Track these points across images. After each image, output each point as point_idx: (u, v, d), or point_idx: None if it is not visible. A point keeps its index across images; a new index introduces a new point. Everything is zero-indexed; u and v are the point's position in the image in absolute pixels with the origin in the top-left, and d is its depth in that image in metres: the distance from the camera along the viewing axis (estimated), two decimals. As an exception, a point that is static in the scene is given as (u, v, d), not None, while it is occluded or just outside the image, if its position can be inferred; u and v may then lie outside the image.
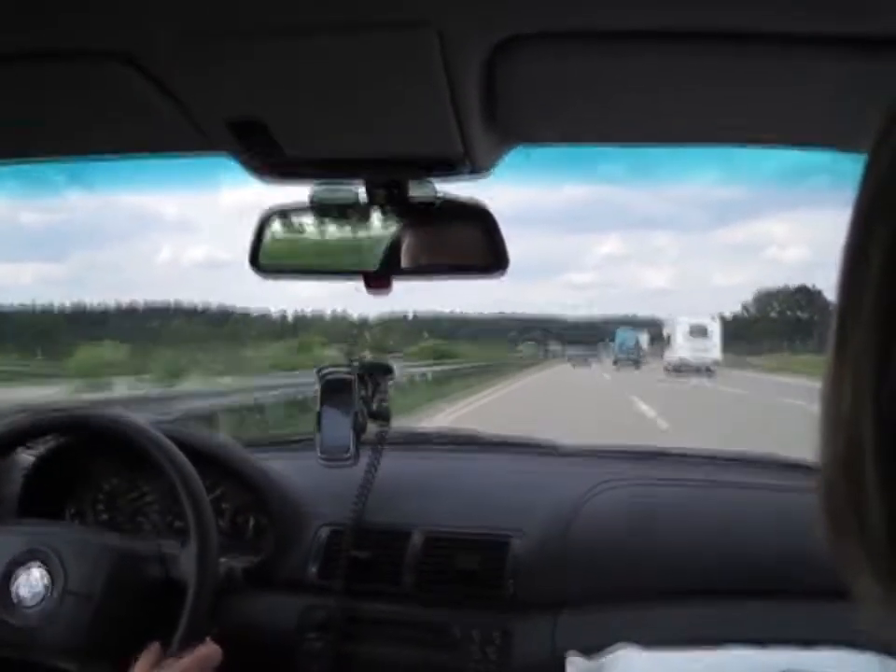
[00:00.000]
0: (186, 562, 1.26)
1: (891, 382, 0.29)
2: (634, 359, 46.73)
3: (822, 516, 0.34)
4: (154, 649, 1.17)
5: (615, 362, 47.67)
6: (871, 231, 0.31)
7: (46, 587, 1.20)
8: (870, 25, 0.65)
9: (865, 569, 0.32)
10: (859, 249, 0.32)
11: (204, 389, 11.33)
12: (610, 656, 1.13)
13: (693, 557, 1.33)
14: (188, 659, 1.14)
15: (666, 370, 35.83)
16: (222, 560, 1.33)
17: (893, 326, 0.29)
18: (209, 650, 1.17)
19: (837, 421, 0.32)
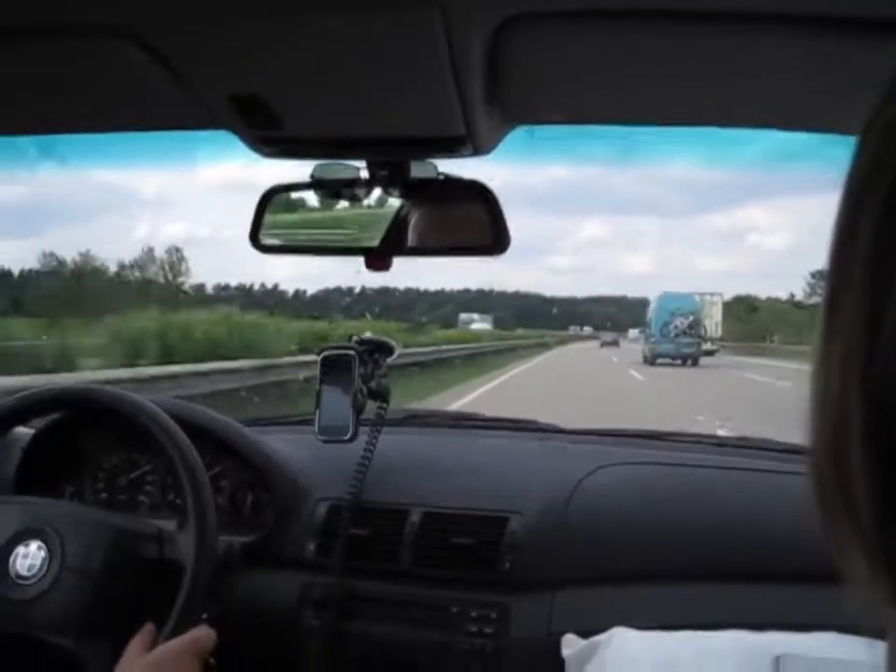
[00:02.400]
0: (184, 543, 1.27)
1: (879, 359, 0.29)
2: (689, 352, 32.49)
3: (812, 496, 0.34)
4: (148, 630, 1.17)
5: (649, 359, 32.15)
6: (860, 208, 0.31)
7: (44, 563, 1.21)
8: (862, 7, 0.65)
9: (853, 550, 0.32)
10: (848, 227, 0.32)
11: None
12: (605, 636, 1.14)
13: (690, 539, 1.34)
14: (181, 641, 1.14)
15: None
16: (221, 538, 1.33)
17: (882, 302, 0.29)
18: (203, 633, 1.17)
19: (825, 400, 0.32)
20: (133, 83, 0.87)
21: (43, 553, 1.21)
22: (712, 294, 40.52)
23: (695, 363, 31.75)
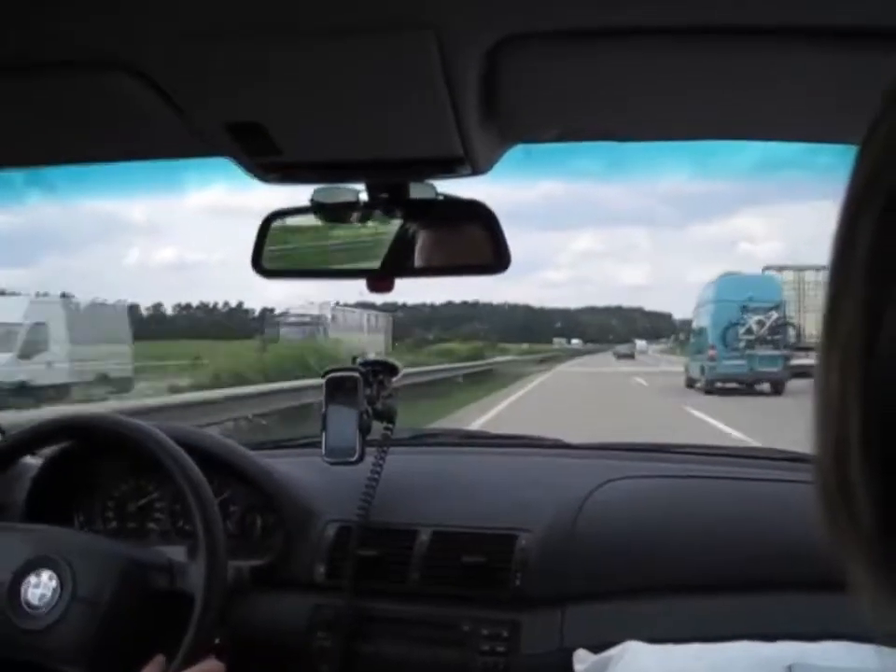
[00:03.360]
0: (194, 573, 1.27)
1: (877, 368, 0.29)
2: (774, 372, 19.37)
3: (817, 505, 0.34)
4: (159, 661, 1.17)
5: (703, 385, 20.26)
6: (859, 216, 0.31)
7: (55, 593, 1.21)
8: (858, 17, 0.65)
9: (857, 558, 0.32)
10: (847, 234, 0.32)
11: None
12: (617, 651, 1.13)
13: (699, 552, 1.33)
14: None
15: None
16: (231, 562, 1.33)
17: (879, 310, 0.29)
18: (213, 666, 1.17)
19: (827, 409, 0.32)
20: (130, 114, 0.87)
21: (54, 584, 1.21)
22: (782, 268, 24.67)
23: (779, 390, 18.88)
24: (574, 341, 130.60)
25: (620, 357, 63.29)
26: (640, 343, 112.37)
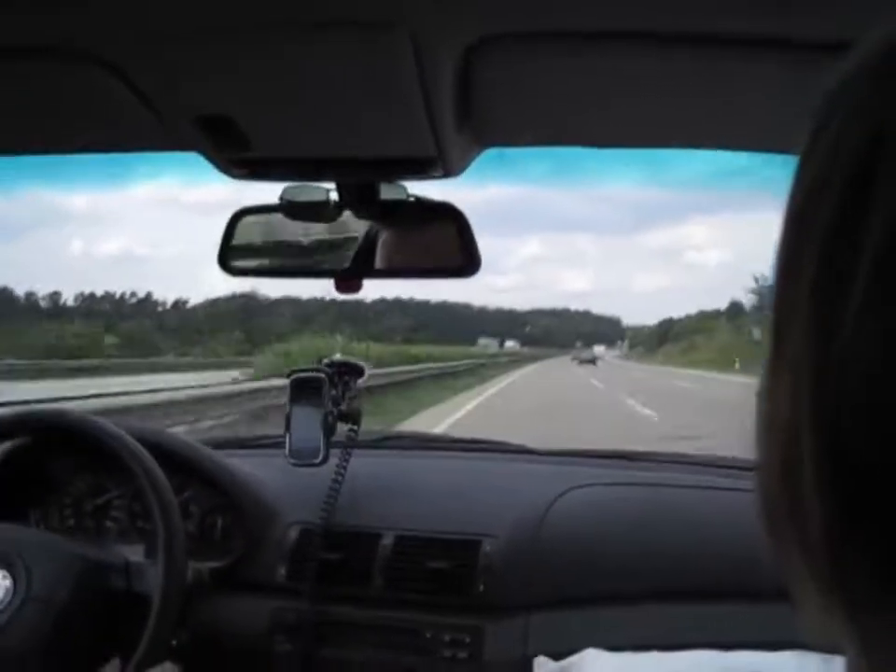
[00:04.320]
0: (152, 574, 1.25)
1: (828, 391, 0.29)
2: None
3: (761, 522, 0.33)
4: (114, 665, 1.15)
5: None
6: (804, 232, 0.30)
7: (8, 592, 1.18)
8: (807, 29, 0.66)
9: (805, 576, 0.31)
10: (792, 252, 0.31)
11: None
12: (576, 658, 1.13)
13: (664, 559, 1.34)
14: None
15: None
16: (190, 563, 1.31)
17: (829, 333, 0.28)
18: (168, 670, 1.16)
19: (774, 425, 0.32)
20: (99, 106, 0.86)
21: (7, 583, 1.19)
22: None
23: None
24: (509, 343, 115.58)
25: (582, 362, 61.29)
26: (598, 349, 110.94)
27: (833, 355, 0.28)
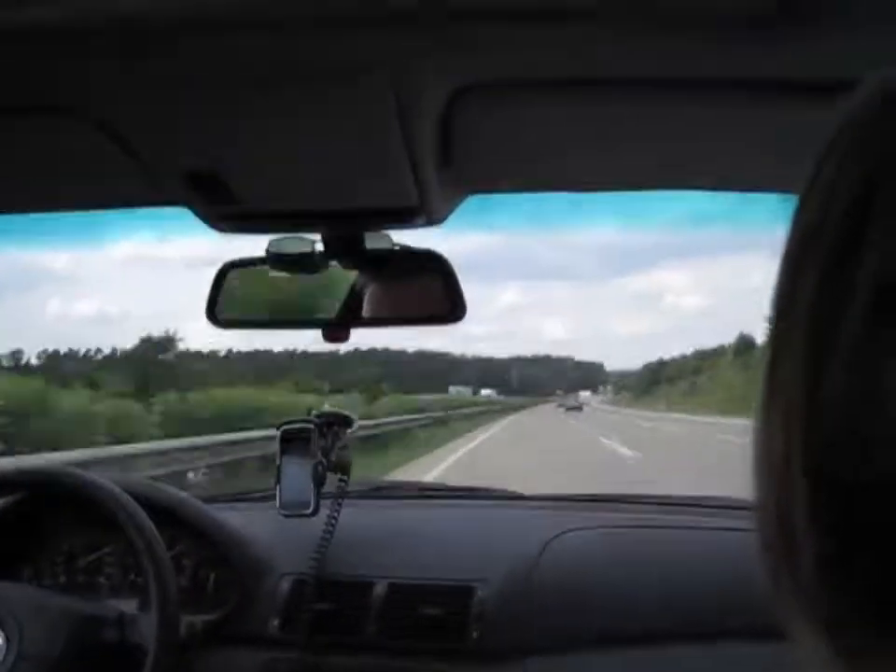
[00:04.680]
0: (146, 625, 1.24)
1: (819, 427, 0.29)
2: None
3: (760, 563, 0.34)
4: None
5: None
6: (799, 273, 0.31)
7: (1, 650, 1.17)
8: (805, 71, 0.68)
9: (799, 615, 0.31)
10: (787, 292, 0.32)
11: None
12: None
13: (657, 602, 1.33)
14: None
15: None
16: (183, 616, 1.30)
17: (820, 372, 0.29)
18: None
19: (768, 464, 0.32)
20: (84, 162, 0.87)
21: (0, 641, 1.17)
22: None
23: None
24: (485, 391, 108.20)
25: (569, 409, 60.10)
26: (584, 395, 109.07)
27: (823, 396, 0.29)
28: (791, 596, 0.32)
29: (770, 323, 0.33)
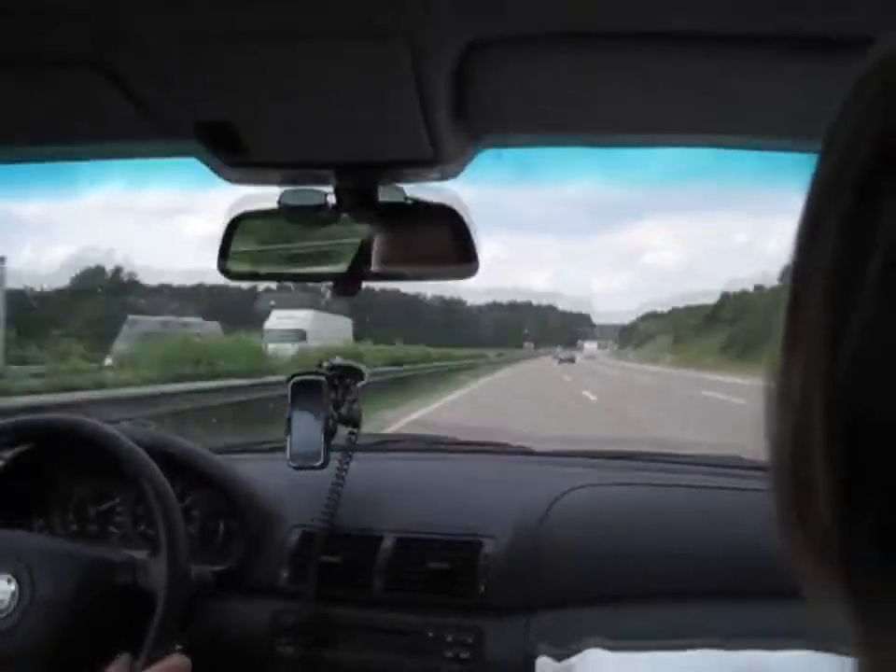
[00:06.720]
0: (156, 571, 1.26)
1: (841, 368, 0.29)
2: None
3: (772, 504, 0.34)
4: (123, 660, 1.16)
5: None
6: (823, 214, 0.31)
7: (13, 596, 1.19)
8: (826, 27, 0.66)
9: (812, 561, 0.32)
10: (811, 230, 0.32)
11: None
12: (578, 659, 1.13)
13: (664, 560, 1.34)
14: (157, 669, 1.13)
15: None
16: (193, 567, 1.32)
17: (843, 311, 0.29)
18: (179, 661, 1.16)
19: (787, 408, 0.33)
20: (96, 113, 0.86)
21: (12, 587, 1.19)
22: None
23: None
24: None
25: (561, 362, 56.06)
26: (589, 346, 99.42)
27: (847, 331, 0.29)
28: (802, 537, 0.32)
29: (792, 267, 0.33)
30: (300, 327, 27.01)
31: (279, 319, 28.13)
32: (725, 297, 78.75)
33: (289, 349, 20.80)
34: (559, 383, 27.74)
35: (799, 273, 0.33)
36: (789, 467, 0.33)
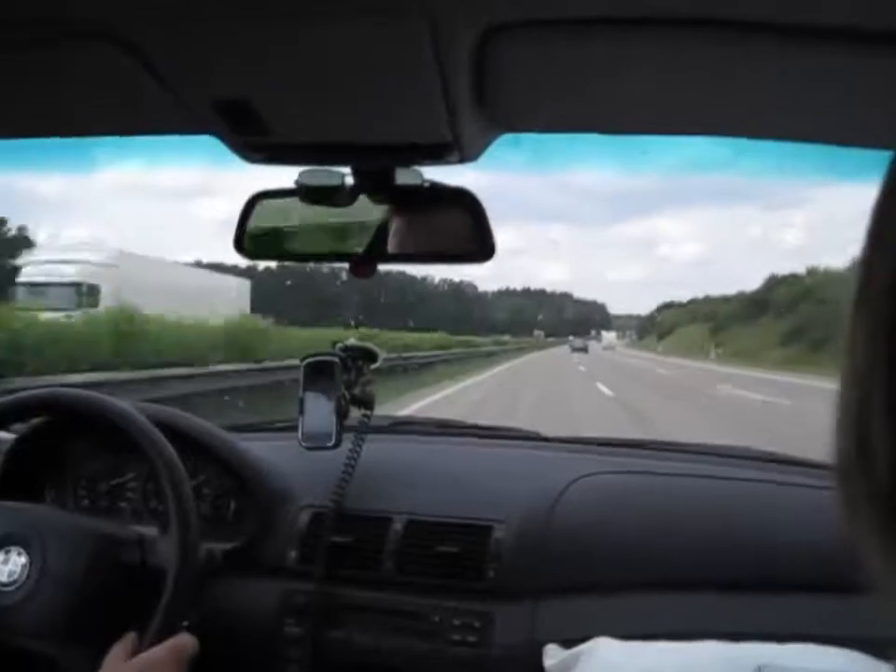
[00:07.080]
0: (166, 548, 1.26)
1: None
2: None
3: (832, 469, 0.36)
4: (130, 637, 1.17)
5: None
6: (890, 207, 0.34)
7: (24, 569, 1.20)
8: (853, 18, 0.65)
9: (869, 525, 0.33)
10: (887, 204, 0.34)
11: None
12: (586, 647, 1.14)
13: (673, 549, 1.34)
14: (163, 648, 1.14)
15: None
16: (203, 545, 1.33)
17: None
18: (185, 640, 1.17)
19: (853, 370, 0.34)
20: (113, 86, 0.86)
21: (24, 560, 1.20)
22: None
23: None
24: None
25: (574, 350, 57.87)
26: (608, 336, 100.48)
27: None
28: (862, 504, 0.34)
29: (866, 235, 0.35)
30: (83, 279, 17.16)
31: (44, 265, 17.51)
32: (773, 280, 69.60)
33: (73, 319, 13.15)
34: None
35: (873, 233, 0.34)
36: (850, 429, 0.34)
